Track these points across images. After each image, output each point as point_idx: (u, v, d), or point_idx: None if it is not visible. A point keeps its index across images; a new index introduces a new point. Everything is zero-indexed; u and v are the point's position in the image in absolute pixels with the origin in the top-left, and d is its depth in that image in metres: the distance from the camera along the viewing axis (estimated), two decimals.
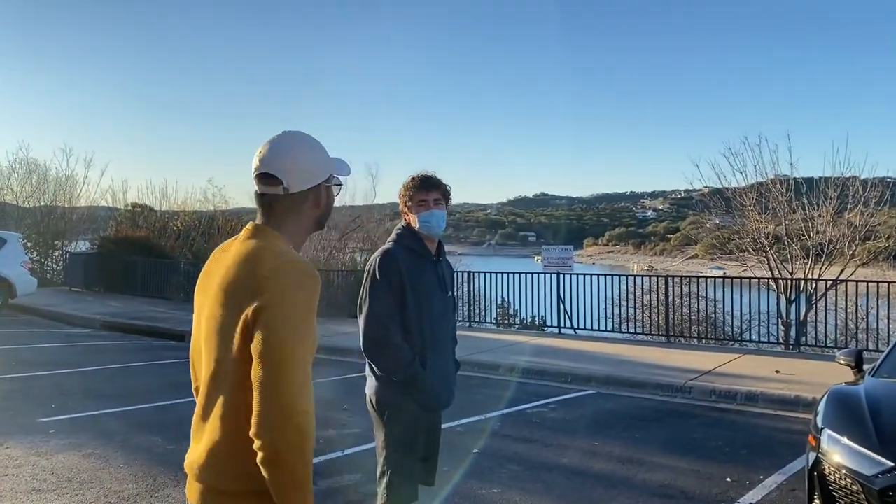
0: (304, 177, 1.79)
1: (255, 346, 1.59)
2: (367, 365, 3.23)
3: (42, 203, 23.41)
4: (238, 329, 1.63)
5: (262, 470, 1.58)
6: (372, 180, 22.10)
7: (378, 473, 3.17)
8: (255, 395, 1.57)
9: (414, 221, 3.24)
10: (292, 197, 1.78)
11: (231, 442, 1.63)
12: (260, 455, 1.56)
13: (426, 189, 3.25)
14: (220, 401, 1.68)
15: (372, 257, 3.27)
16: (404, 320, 3.13)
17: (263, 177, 1.78)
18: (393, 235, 3.32)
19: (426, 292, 3.20)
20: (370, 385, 3.22)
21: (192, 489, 1.75)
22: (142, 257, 19.09)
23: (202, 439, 1.72)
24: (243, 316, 1.63)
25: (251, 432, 1.57)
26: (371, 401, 3.21)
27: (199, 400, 1.78)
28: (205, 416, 1.73)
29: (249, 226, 1.81)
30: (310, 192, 1.81)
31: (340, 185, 1.91)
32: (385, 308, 3.11)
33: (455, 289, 3.65)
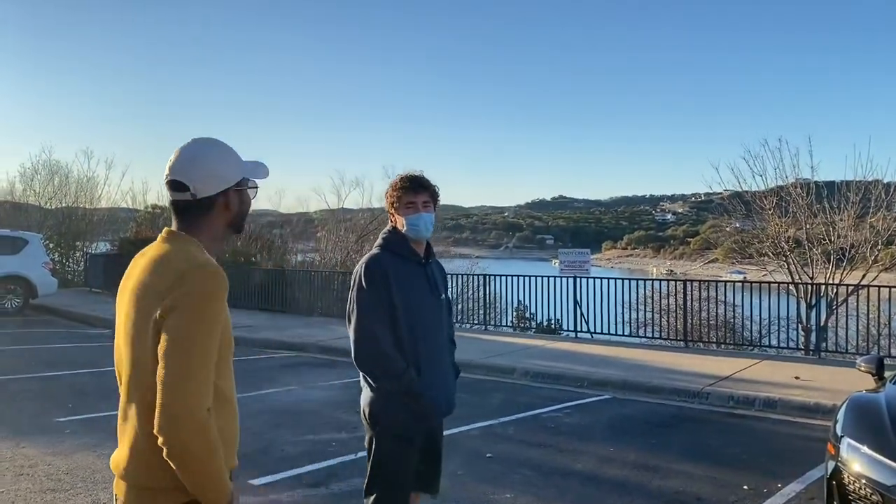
0: (212, 182, 1.84)
1: (160, 347, 1.66)
2: (361, 376, 3.11)
3: (63, 204, 23.78)
4: (150, 331, 1.70)
5: (172, 465, 1.64)
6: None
7: (365, 486, 3.06)
8: (158, 394, 1.63)
9: (401, 224, 3.11)
10: (201, 202, 1.84)
11: (151, 440, 1.68)
12: (165, 451, 1.63)
13: (414, 191, 3.10)
14: (138, 401, 1.73)
15: (358, 264, 3.14)
16: (395, 327, 2.99)
17: (173, 184, 1.85)
18: (379, 240, 3.17)
19: (416, 296, 3.06)
20: (365, 396, 3.10)
21: (119, 486, 1.81)
22: None
23: (124, 439, 1.78)
24: (153, 318, 1.69)
25: (155, 430, 1.63)
26: (364, 412, 3.07)
27: (122, 401, 1.84)
28: (125, 416, 1.79)
29: (164, 231, 1.88)
30: (219, 196, 1.86)
31: (256, 188, 1.96)
32: (374, 317, 2.97)
33: (448, 290, 3.43)
